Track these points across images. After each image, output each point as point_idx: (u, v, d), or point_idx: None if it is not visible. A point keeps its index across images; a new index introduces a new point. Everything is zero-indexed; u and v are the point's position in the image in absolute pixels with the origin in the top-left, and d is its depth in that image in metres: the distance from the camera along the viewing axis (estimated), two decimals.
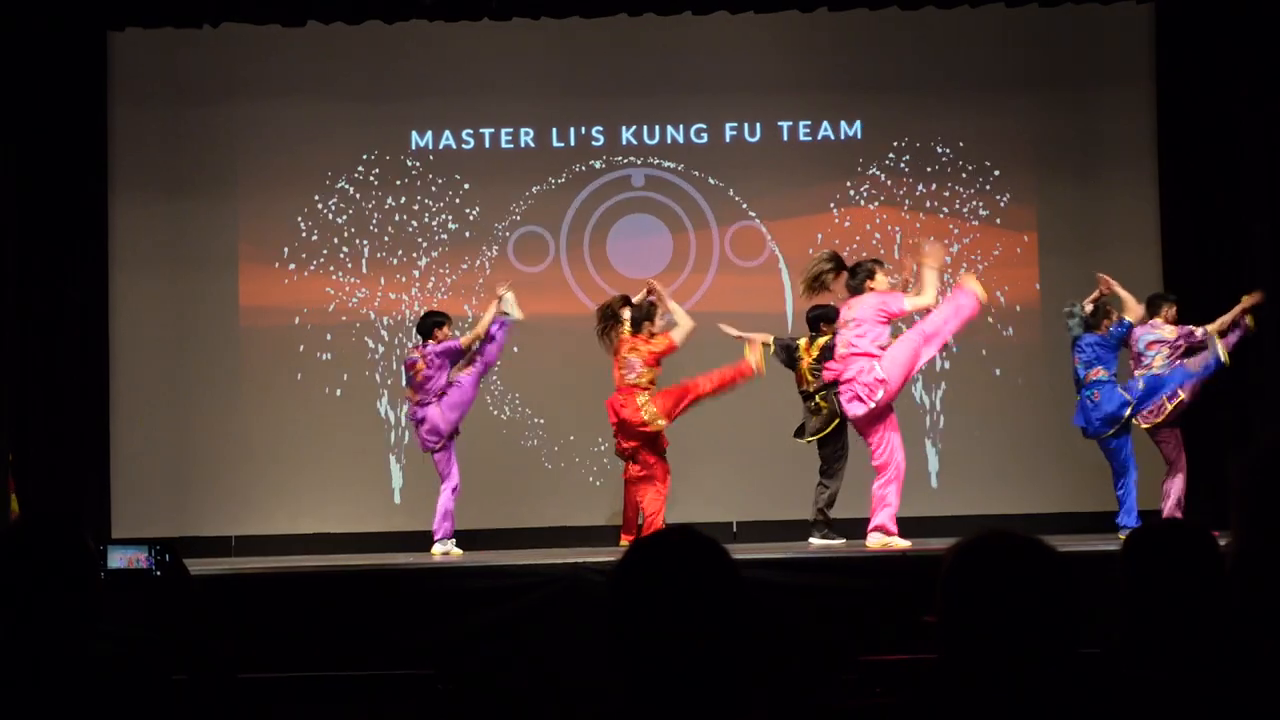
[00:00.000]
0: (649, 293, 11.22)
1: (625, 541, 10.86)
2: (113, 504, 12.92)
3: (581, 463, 13.14)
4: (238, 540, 12.75)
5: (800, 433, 10.96)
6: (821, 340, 10.85)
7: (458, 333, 11.36)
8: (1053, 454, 12.66)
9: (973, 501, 12.29)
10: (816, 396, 10.82)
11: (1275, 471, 1.46)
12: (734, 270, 13.33)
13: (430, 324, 11.21)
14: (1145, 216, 13.21)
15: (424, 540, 11.61)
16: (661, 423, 10.82)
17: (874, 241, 13.33)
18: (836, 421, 10.70)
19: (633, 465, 11.57)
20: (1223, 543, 3.07)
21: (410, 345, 11.62)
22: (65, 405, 12.64)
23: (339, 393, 13.21)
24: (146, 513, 12.77)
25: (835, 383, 10.38)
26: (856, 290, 10.30)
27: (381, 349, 13.27)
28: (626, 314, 11.03)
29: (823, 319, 10.99)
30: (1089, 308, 11.10)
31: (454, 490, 11.21)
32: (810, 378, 10.87)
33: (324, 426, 13.13)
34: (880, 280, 10.33)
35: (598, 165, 13.44)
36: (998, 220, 13.39)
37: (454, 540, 11.11)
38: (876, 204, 13.37)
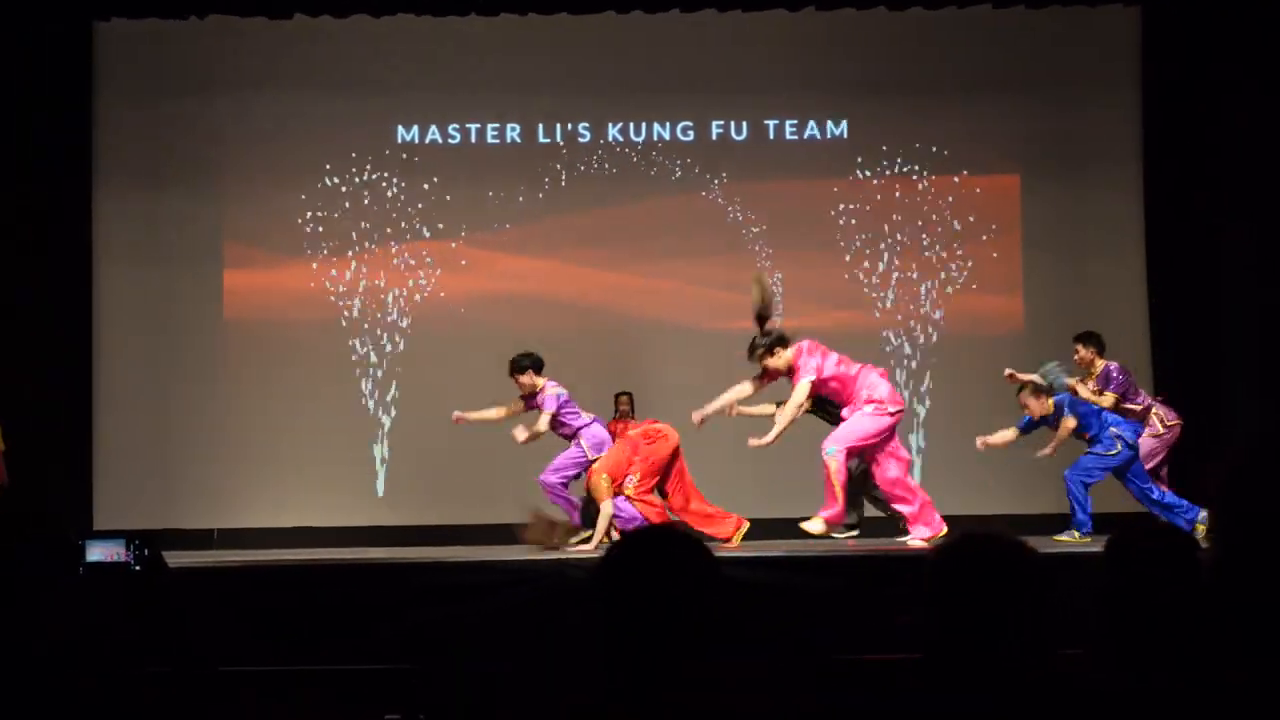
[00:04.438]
0: None
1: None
2: (95, 497, 12.89)
3: None
4: (220, 533, 12.72)
5: None
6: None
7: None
8: (1032, 453, 12.64)
9: (956, 502, 12.25)
10: None
11: (1253, 476, 1.46)
12: (718, 266, 13.32)
13: None
14: (1130, 218, 13.23)
15: (406, 534, 11.60)
16: None
17: (858, 241, 13.35)
18: None
19: None
20: (1204, 546, 3.09)
21: None
22: (48, 398, 12.58)
23: (323, 386, 13.18)
24: (129, 505, 12.74)
25: None
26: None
27: (365, 342, 13.25)
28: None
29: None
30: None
31: None
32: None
33: (308, 419, 13.10)
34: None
35: (584, 161, 13.43)
36: (982, 220, 13.40)
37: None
38: (861, 204, 13.39)
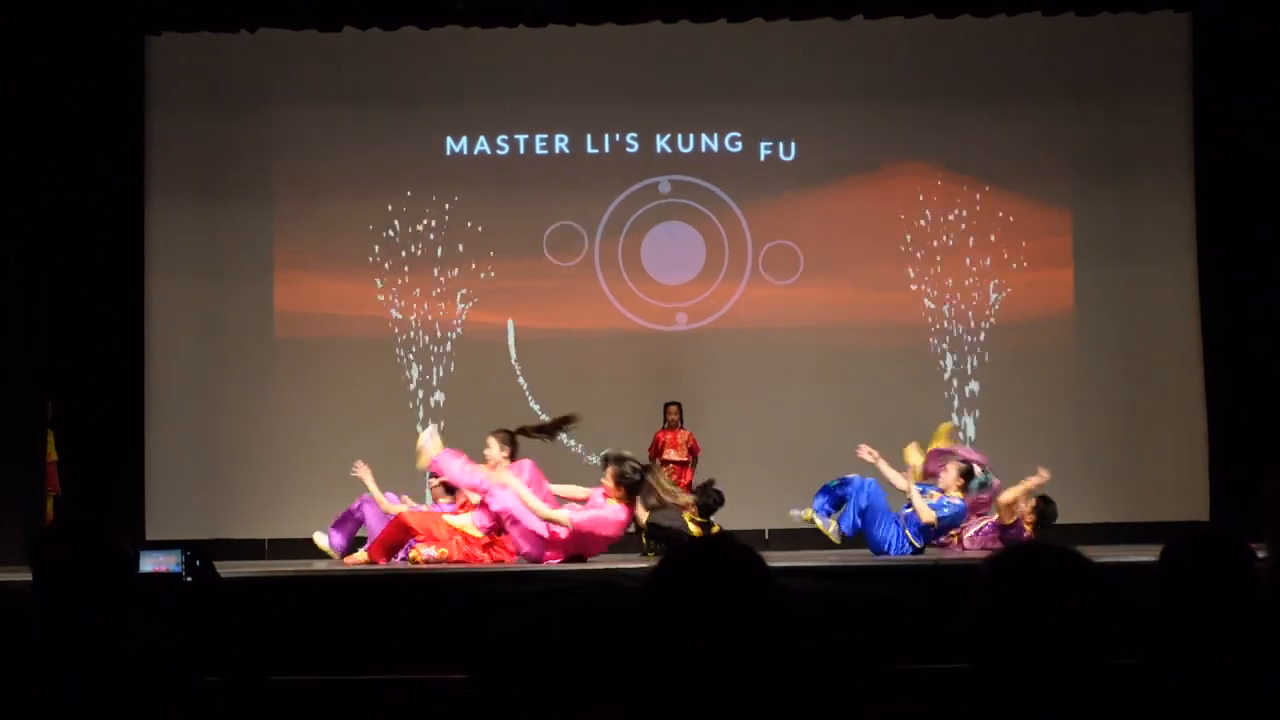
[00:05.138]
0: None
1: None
2: (147, 506, 12.98)
3: None
4: (271, 543, 12.77)
5: None
6: None
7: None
8: (1085, 463, 12.59)
9: None
10: None
11: None
12: (764, 283, 13.32)
13: None
14: (1181, 224, 13.14)
15: None
16: None
17: (910, 248, 13.31)
18: None
19: None
20: (1260, 555, 3.07)
21: None
22: (100, 409, 12.69)
23: (372, 396, 13.23)
24: (181, 516, 12.83)
25: None
26: None
27: (414, 353, 13.29)
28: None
29: None
30: None
31: None
32: None
33: (357, 430, 13.14)
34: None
35: (631, 172, 13.44)
36: (1034, 227, 13.34)
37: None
38: (913, 210, 13.35)
